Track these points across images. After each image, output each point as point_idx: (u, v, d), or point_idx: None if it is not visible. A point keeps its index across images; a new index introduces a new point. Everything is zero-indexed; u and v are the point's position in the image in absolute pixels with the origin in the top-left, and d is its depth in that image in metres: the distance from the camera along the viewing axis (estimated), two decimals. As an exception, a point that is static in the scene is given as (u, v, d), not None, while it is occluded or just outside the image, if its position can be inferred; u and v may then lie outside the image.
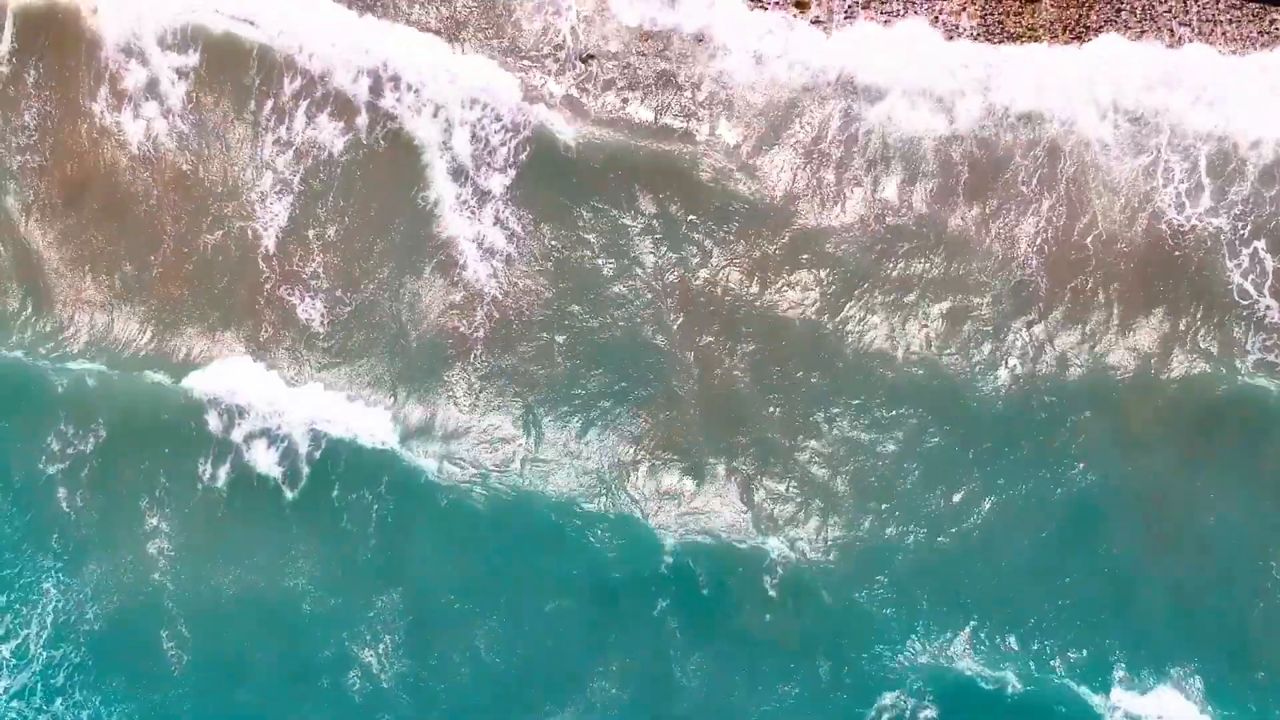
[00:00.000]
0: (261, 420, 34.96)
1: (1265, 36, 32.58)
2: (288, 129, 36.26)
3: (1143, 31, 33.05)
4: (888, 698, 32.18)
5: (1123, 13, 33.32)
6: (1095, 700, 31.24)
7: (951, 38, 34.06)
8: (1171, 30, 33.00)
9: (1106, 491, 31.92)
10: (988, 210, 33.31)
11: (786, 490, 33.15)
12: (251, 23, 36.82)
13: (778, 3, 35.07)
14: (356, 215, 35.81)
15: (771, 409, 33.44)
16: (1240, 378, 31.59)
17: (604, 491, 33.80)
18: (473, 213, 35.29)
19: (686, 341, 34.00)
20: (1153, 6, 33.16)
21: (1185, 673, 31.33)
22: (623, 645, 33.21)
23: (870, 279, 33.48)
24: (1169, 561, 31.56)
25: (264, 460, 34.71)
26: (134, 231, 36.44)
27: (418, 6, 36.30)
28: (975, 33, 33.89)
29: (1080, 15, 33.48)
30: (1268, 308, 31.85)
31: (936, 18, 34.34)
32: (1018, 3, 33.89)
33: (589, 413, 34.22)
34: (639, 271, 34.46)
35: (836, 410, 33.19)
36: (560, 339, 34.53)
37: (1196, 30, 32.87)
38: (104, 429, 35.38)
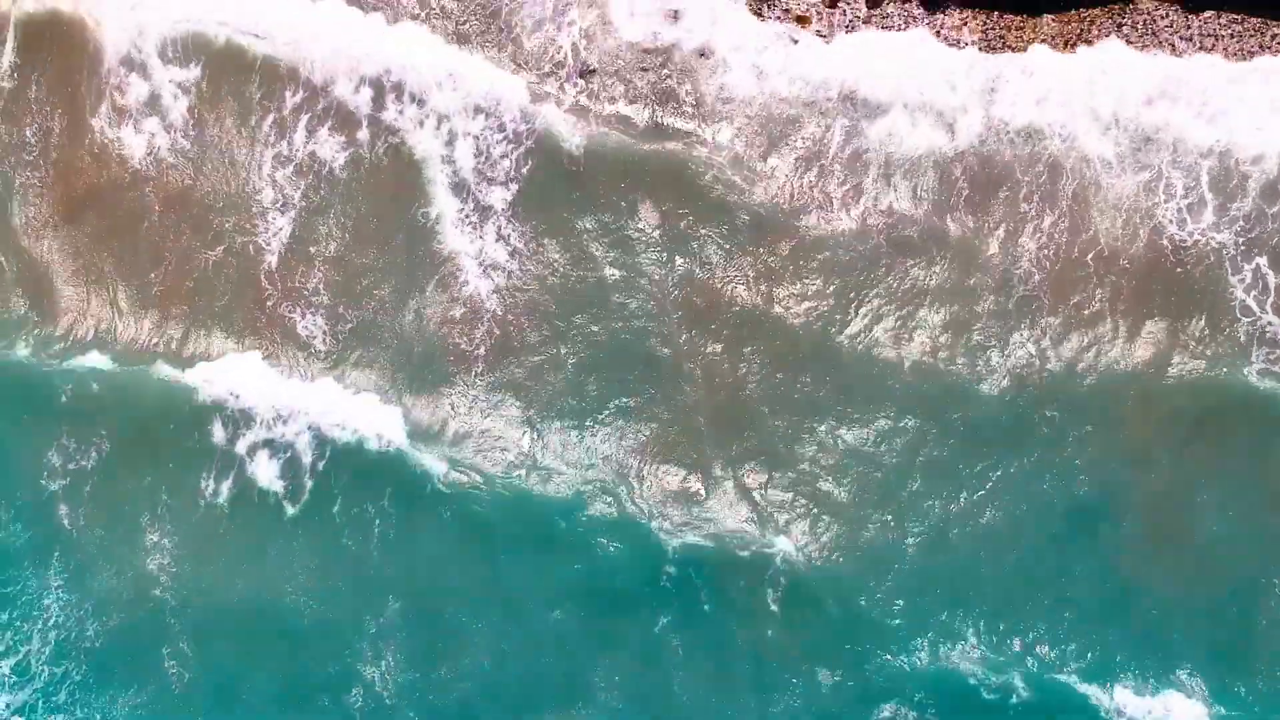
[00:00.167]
0: (265, 429, 34.92)
1: (1267, 52, 32.53)
2: (289, 144, 36.26)
3: (1144, 46, 33.01)
4: (887, 709, 32.14)
5: (1124, 27, 33.28)
6: (1101, 703, 31.16)
7: (953, 61, 34.11)
8: (1173, 45, 32.96)
9: (1109, 498, 31.85)
10: (990, 225, 33.26)
11: (790, 499, 33.11)
12: (256, 35, 36.81)
13: (779, 17, 35.05)
14: (358, 231, 35.80)
15: (776, 418, 33.42)
16: (1244, 384, 31.54)
17: (608, 500, 33.77)
18: (475, 228, 35.27)
19: (691, 352, 33.98)
20: (1154, 21, 33.12)
21: (1190, 676, 31.25)
22: (626, 655, 33.21)
23: (873, 290, 33.43)
24: (1173, 566, 31.49)
25: (266, 474, 34.73)
26: (136, 248, 36.48)
27: (423, 14, 36.28)
28: (977, 47, 33.89)
29: (1081, 30, 33.44)
30: (1269, 323, 31.79)
31: (938, 32, 34.31)
32: (1019, 17, 33.86)
33: (593, 422, 34.20)
34: (643, 283, 34.44)
35: (840, 419, 33.16)
36: (564, 350, 34.51)
37: (1198, 45, 32.81)
38: (106, 442, 35.43)
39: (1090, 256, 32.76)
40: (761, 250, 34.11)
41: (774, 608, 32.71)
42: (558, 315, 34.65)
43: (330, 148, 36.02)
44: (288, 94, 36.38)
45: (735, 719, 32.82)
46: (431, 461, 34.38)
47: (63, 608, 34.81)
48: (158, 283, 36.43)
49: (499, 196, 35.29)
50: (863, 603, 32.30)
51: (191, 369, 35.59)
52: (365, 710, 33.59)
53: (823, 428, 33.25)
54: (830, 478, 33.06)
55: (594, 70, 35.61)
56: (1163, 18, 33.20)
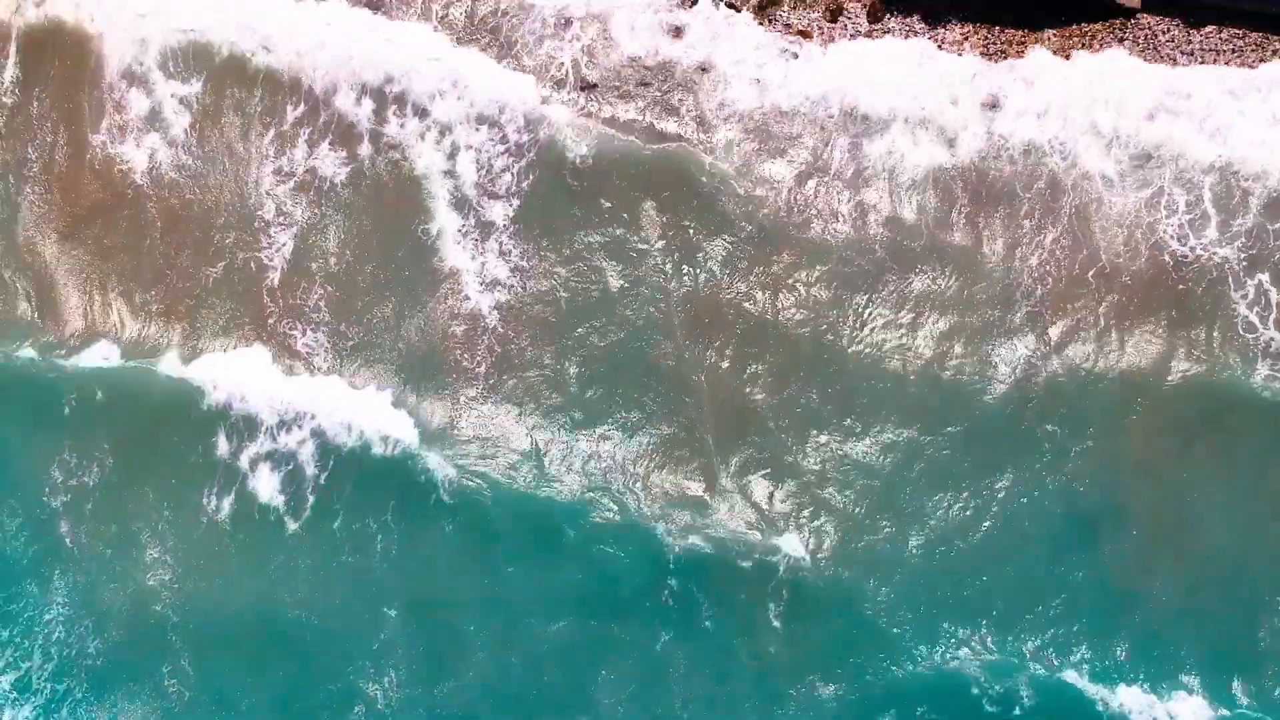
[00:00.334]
0: (269, 439, 34.85)
1: (1268, 65, 32.50)
2: (289, 159, 36.26)
3: (1146, 61, 33.01)
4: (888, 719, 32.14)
5: (1125, 42, 33.25)
6: (1107, 707, 31.09)
7: (954, 69, 34.05)
8: (1174, 60, 32.91)
9: (1112, 506, 31.74)
10: (992, 240, 33.20)
11: (794, 508, 33.07)
12: (259, 42, 36.76)
13: (781, 32, 35.05)
14: (359, 247, 35.79)
15: (779, 426, 33.38)
16: (1247, 396, 31.47)
17: (612, 509, 33.73)
18: (476, 244, 35.23)
19: (695, 362, 33.95)
20: (1155, 36, 33.07)
21: (1195, 679, 31.16)
22: (630, 667, 33.16)
23: (876, 302, 33.37)
24: (1177, 572, 31.39)
25: (268, 488, 34.68)
26: (138, 264, 36.50)
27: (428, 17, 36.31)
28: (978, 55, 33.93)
29: (1083, 44, 33.41)
30: (1271, 339, 31.74)
31: (940, 46, 34.31)
32: (1020, 32, 33.83)
33: (597, 433, 34.16)
34: (646, 294, 34.42)
35: (844, 428, 33.11)
36: (568, 362, 34.49)
37: (1199, 60, 32.78)
38: (109, 457, 35.43)
39: (1092, 274, 32.72)
40: (764, 261, 34.09)
41: (776, 623, 32.67)
42: (560, 328, 34.63)
43: (331, 163, 36.02)
44: (289, 107, 36.39)
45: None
46: (438, 464, 34.24)
47: (64, 624, 34.81)
48: (158, 299, 36.47)
49: (500, 212, 35.27)
50: (867, 611, 32.26)
51: (198, 360, 35.54)
52: (366, 727, 33.60)
53: (826, 437, 33.22)
54: (833, 487, 33.02)
55: (594, 85, 35.61)
56: (1164, 33, 33.16)
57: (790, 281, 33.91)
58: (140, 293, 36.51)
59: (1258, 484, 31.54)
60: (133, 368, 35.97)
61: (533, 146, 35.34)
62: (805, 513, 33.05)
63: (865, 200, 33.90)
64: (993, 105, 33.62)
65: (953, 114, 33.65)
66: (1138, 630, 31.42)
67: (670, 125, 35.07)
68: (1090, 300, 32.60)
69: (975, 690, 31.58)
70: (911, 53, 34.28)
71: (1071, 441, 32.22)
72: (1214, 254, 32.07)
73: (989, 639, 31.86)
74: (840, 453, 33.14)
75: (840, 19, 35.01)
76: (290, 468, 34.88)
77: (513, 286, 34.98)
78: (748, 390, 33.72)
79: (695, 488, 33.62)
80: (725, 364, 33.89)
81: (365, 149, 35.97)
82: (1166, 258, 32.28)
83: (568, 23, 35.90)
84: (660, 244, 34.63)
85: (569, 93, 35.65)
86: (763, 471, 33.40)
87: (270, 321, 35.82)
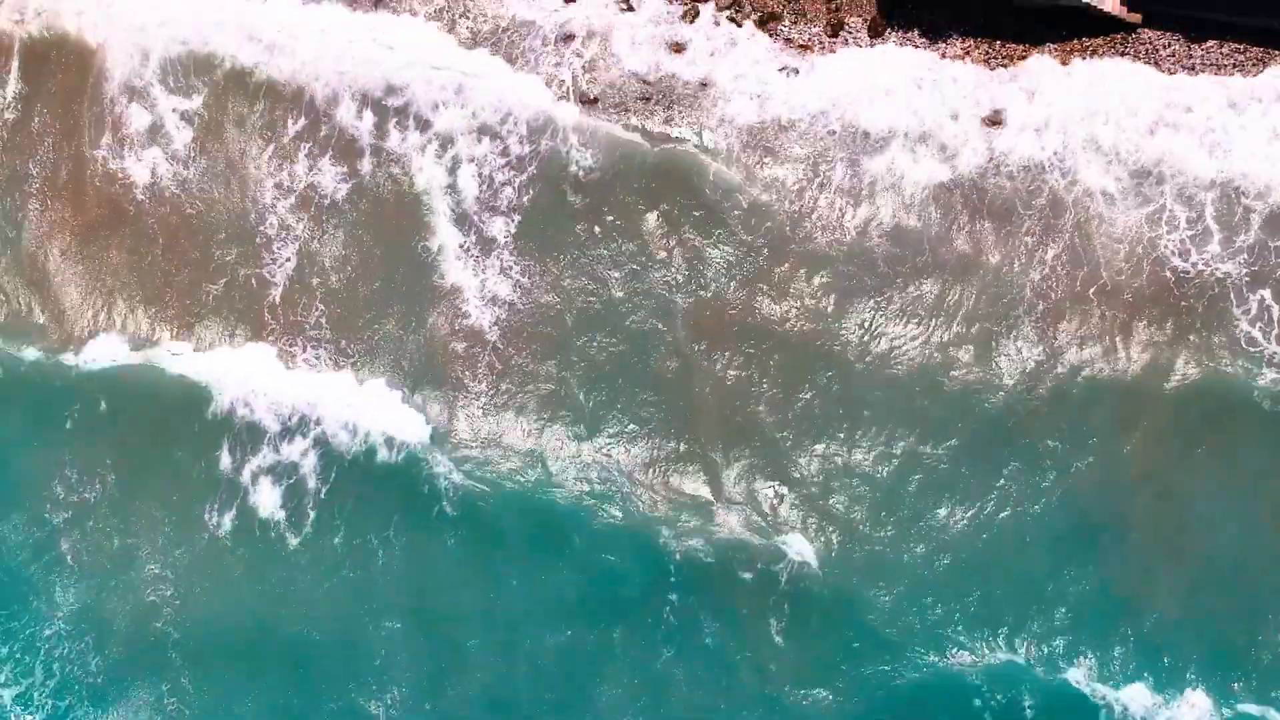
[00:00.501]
0: (272, 450, 34.83)
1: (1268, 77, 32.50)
2: (290, 175, 36.29)
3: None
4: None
5: (1126, 56, 33.25)
6: (1111, 709, 31.05)
7: (954, 79, 34.06)
8: (1174, 75, 32.93)
9: (1114, 513, 31.77)
10: (992, 255, 33.19)
11: (797, 514, 33.06)
12: (261, 47, 36.76)
13: (781, 47, 35.09)
14: (360, 264, 35.81)
15: (783, 435, 33.38)
16: (1249, 406, 31.45)
17: (614, 518, 33.71)
18: (477, 260, 35.24)
19: (698, 371, 33.96)
20: (1156, 51, 33.05)
21: (1199, 680, 31.11)
22: (633, 676, 33.14)
23: (879, 311, 33.36)
24: (1179, 575, 31.38)
25: (269, 502, 34.65)
26: (140, 279, 36.56)
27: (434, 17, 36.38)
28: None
29: (1084, 59, 33.40)
30: (1274, 354, 31.70)
31: (942, 58, 34.33)
32: (1021, 46, 33.83)
33: (601, 441, 34.17)
34: (649, 305, 34.44)
35: (846, 435, 33.10)
36: (571, 372, 34.49)
37: (1200, 75, 32.79)
38: (111, 473, 35.45)
39: (1093, 290, 32.71)
40: (766, 271, 34.10)
41: (779, 631, 32.65)
42: (562, 341, 34.65)
43: (332, 178, 36.04)
44: (289, 120, 36.41)
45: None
46: (442, 471, 34.18)
47: (66, 640, 34.83)
48: (160, 315, 36.50)
49: (502, 227, 35.27)
50: (871, 618, 32.26)
51: (201, 363, 35.56)
52: (368, 744, 33.58)
53: (830, 447, 33.23)
54: (836, 495, 33.03)
55: (595, 100, 35.64)
56: (1165, 47, 33.14)
57: (792, 293, 33.93)
58: (143, 309, 36.56)
59: (1258, 493, 31.52)
60: (135, 378, 36.01)
61: (534, 159, 35.35)
62: (809, 521, 33.05)
63: (867, 215, 33.89)
64: (993, 122, 33.63)
65: (952, 129, 33.63)
66: (1141, 634, 31.39)
67: (671, 137, 35.09)
68: (1092, 315, 32.58)
69: (978, 701, 31.57)
70: (913, 60, 34.28)
71: (1073, 452, 32.21)
72: (1216, 270, 32.02)
73: (992, 644, 31.83)
74: (843, 462, 33.14)
75: (841, 34, 35.03)
76: (292, 481, 34.87)
77: (514, 303, 34.97)
78: (751, 400, 33.73)
79: (699, 497, 33.63)
80: (728, 374, 33.90)
81: (366, 164, 35.99)
82: (1168, 274, 32.25)
83: (569, 38, 35.93)
84: (662, 255, 34.65)
85: (571, 107, 35.73)
86: (766, 480, 33.40)
87: (270, 339, 35.84)
